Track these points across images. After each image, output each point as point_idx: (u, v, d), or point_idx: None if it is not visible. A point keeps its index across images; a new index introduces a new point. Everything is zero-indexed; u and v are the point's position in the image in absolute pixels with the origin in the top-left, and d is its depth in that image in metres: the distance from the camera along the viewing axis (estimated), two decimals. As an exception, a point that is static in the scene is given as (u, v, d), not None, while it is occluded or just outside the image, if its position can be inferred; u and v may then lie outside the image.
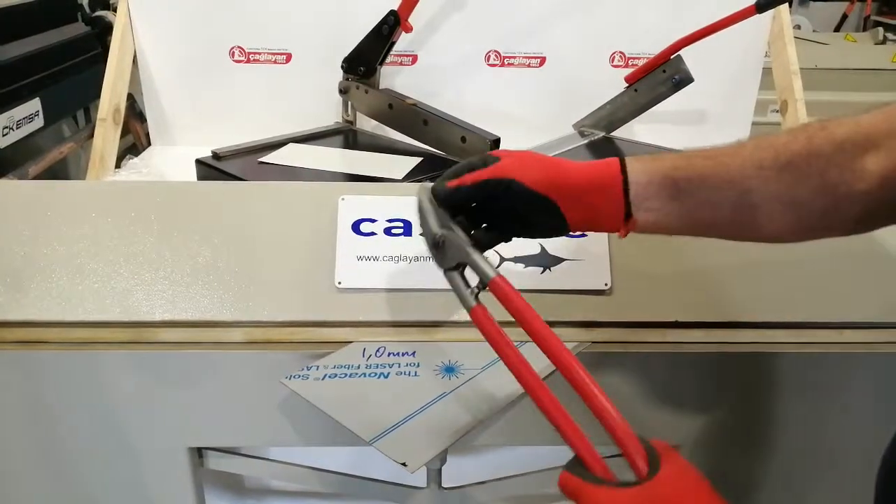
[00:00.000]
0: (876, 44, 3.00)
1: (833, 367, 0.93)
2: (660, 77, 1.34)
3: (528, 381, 0.62)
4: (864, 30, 3.57)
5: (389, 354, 0.89)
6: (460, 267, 0.69)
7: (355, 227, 0.96)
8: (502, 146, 1.23)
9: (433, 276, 0.93)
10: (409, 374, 0.85)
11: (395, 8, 1.34)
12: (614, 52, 1.50)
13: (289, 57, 1.50)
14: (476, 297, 0.67)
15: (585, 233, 0.96)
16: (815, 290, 0.94)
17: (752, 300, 0.94)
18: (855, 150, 0.61)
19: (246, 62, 1.50)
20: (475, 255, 0.67)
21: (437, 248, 0.70)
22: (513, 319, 0.63)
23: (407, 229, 0.96)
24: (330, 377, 0.85)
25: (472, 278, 0.68)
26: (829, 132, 0.63)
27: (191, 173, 1.28)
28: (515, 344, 0.66)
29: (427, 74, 1.51)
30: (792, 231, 0.66)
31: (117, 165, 1.40)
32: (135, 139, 1.62)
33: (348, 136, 1.46)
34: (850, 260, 0.95)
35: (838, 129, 0.62)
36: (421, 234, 0.73)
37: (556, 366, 0.61)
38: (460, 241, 0.69)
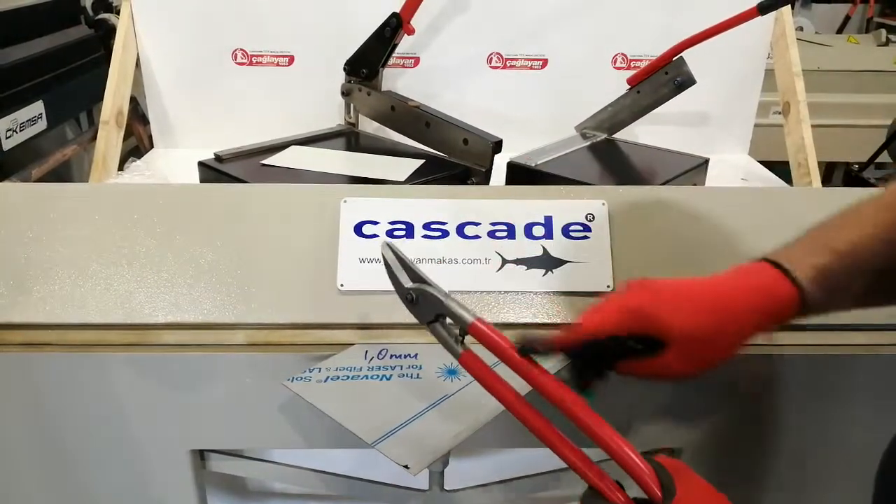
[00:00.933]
0: (879, 45, 2.99)
1: (837, 370, 0.93)
2: (662, 79, 1.34)
3: (529, 420, 0.60)
4: (867, 31, 3.56)
5: (392, 356, 0.89)
6: (439, 318, 0.67)
7: (357, 229, 0.96)
8: (504, 148, 1.23)
9: (436, 279, 0.94)
10: (411, 377, 0.85)
11: (398, 10, 1.34)
12: (616, 54, 1.50)
13: (291, 59, 1.50)
14: (462, 342, 0.65)
15: (587, 235, 0.97)
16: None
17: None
18: None
19: (248, 64, 1.50)
20: (450, 303, 0.65)
21: (412, 303, 0.68)
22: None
23: (409, 231, 0.96)
24: (332, 379, 0.85)
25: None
26: None
27: (193, 176, 1.28)
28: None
29: (429, 76, 1.51)
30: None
31: (120, 168, 1.40)
32: (137, 141, 1.63)
33: (350, 139, 1.46)
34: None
35: None
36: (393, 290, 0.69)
37: (549, 399, 0.60)
38: (432, 291, 0.67)
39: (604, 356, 0.66)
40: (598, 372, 0.66)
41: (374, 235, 0.96)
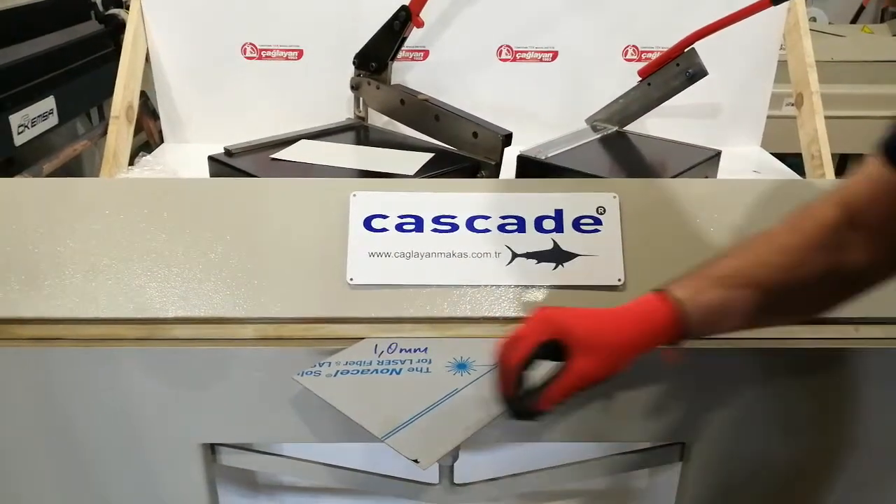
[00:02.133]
0: (893, 35, 2.96)
1: (849, 363, 0.92)
2: (673, 71, 1.33)
3: None
4: (882, 21, 3.52)
5: (401, 351, 0.88)
6: None
7: (367, 223, 0.96)
8: (514, 141, 1.23)
9: (445, 273, 0.94)
10: (421, 371, 0.85)
11: (407, 3, 1.33)
12: (627, 46, 1.49)
13: (300, 53, 1.50)
14: None
15: (598, 228, 0.96)
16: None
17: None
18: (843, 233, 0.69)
19: (258, 59, 1.50)
20: None
21: None
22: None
23: (419, 225, 0.96)
24: (342, 373, 0.85)
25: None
26: (817, 219, 0.71)
27: (203, 170, 1.28)
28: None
29: (438, 70, 1.50)
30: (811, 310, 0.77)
31: (130, 163, 1.41)
32: (148, 136, 1.63)
33: (360, 132, 1.46)
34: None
35: (822, 213, 0.70)
36: None
37: None
38: None
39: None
40: (530, 414, 0.74)
41: (384, 229, 0.96)
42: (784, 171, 1.44)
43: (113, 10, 1.78)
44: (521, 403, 0.73)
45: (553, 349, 0.72)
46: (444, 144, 1.33)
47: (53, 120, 1.54)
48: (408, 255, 0.94)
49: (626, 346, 0.72)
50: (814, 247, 0.71)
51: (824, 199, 0.72)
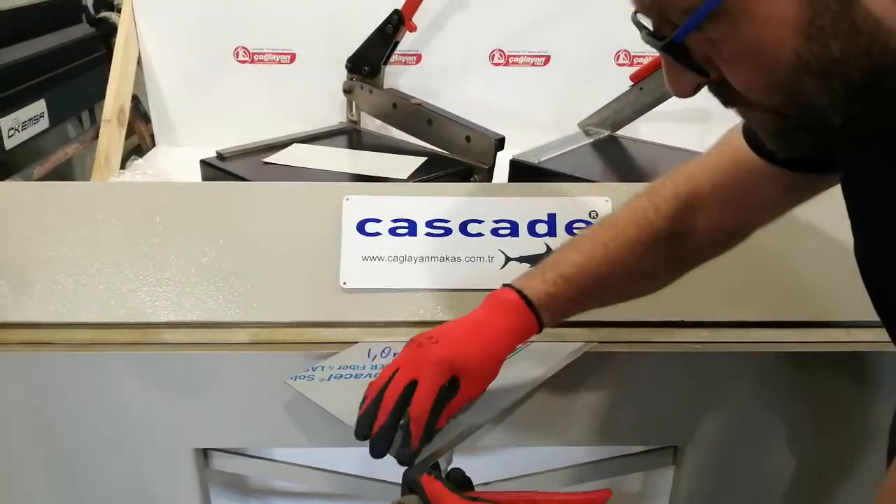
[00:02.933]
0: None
1: (840, 367, 0.92)
2: (665, 75, 1.34)
3: None
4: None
5: (395, 355, 0.88)
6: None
7: (360, 227, 0.96)
8: (507, 145, 1.23)
9: (439, 276, 0.94)
10: (414, 375, 0.85)
11: (399, 7, 1.33)
12: (619, 51, 1.49)
13: (293, 57, 1.50)
14: None
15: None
16: (822, 288, 0.94)
17: (757, 299, 0.93)
18: (686, 217, 0.76)
19: (250, 63, 1.50)
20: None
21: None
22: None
23: (412, 229, 0.96)
24: (335, 378, 0.85)
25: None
26: (662, 211, 0.76)
27: (195, 174, 1.28)
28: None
29: (431, 74, 1.50)
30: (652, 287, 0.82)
31: (122, 166, 1.40)
32: (139, 140, 1.62)
33: (353, 136, 1.46)
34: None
35: (665, 205, 0.76)
36: None
37: None
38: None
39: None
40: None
41: (377, 233, 0.96)
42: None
43: (104, 14, 1.77)
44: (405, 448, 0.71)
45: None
46: (436, 148, 1.33)
47: (44, 123, 1.53)
48: (401, 258, 0.94)
49: (501, 360, 0.75)
50: (658, 241, 0.76)
51: (669, 183, 0.78)
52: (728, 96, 0.52)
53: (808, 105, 0.48)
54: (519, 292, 0.75)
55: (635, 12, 0.52)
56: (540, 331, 0.76)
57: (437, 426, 0.72)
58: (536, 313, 0.75)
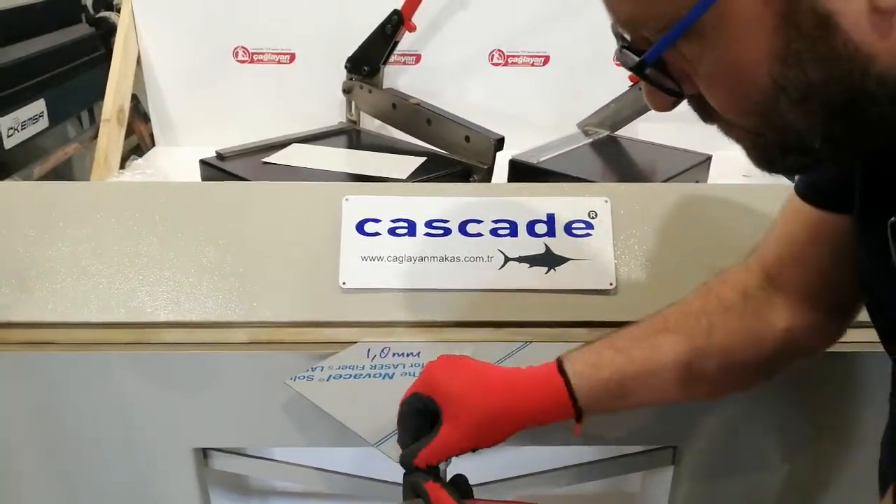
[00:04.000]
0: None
1: (839, 367, 0.92)
2: (664, 76, 1.33)
3: None
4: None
5: (394, 355, 0.88)
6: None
7: (359, 227, 0.96)
8: (506, 145, 1.23)
9: (438, 276, 0.94)
10: (414, 375, 0.85)
11: (399, 7, 1.34)
12: (618, 51, 1.49)
13: (292, 57, 1.50)
14: None
15: (590, 233, 0.96)
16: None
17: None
18: (761, 296, 0.69)
19: (249, 62, 1.50)
20: None
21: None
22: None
23: (411, 229, 0.96)
24: (335, 378, 0.85)
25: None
26: (730, 283, 0.70)
27: (195, 174, 1.28)
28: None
29: (431, 74, 1.50)
30: (735, 382, 0.73)
31: (121, 166, 1.40)
32: (139, 140, 1.62)
33: (352, 136, 1.46)
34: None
35: (735, 278, 0.70)
36: None
37: None
38: None
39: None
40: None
41: (377, 233, 0.96)
42: (774, 176, 1.45)
43: (104, 13, 1.77)
44: (406, 454, 0.70)
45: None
46: (436, 148, 1.33)
47: (44, 123, 1.53)
48: (400, 258, 0.94)
49: (495, 419, 0.67)
50: (730, 311, 0.69)
51: (740, 263, 0.72)
52: (707, 113, 0.51)
53: (785, 128, 0.47)
54: (558, 360, 0.69)
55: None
56: (576, 409, 0.67)
57: (422, 459, 0.68)
58: (566, 377, 0.67)
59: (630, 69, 0.50)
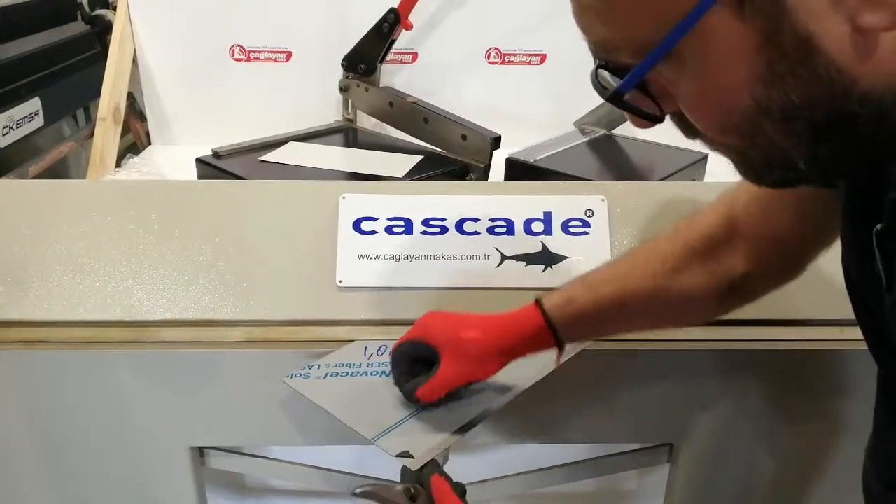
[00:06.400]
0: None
1: (835, 365, 0.93)
2: (661, 74, 1.34)
3: None
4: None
5: (391, 353, 0.88)
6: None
7: (356, 225, 0.96)
8: (503, 144, 1.23)
9: (435, 275, 0.94)
10: (410, 373, 0.85)
11: (396, 6, 1.33)
12: (615, 50, 1.49)
13: (289, 55, 1.50)
14: None
15: (587, 231, 0.96)
16: (816, 287, 0.94)
17: (753, 298, 0.93)
18: (725, 241, 0.72)
19: (246, 60, 1.49)
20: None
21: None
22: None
23: (408, 227, 0.96)
24: (331, 376, 0.85)
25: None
26: (696, 229, 0.73)
27: (191, 172, 1.27)
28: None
29: (427, 72, 1.50)
30: (697, 316, 0.79)
31: (117, 164, 1.40)
32: (135, 138, 1.62)
33: (349, 135, 1.46)
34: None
35: (702, 223, 0.73)
36: None
37: None
38: None
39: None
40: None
41: (373, 232, 0.96)
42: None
43: (100, 11, 1.76)
44: (408, 389, 0.78)
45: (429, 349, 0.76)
46: (433, 147, 1.33)
47: (39, 121, 1.52)
48: (397, 257, 0.94)
49: (486, 353, 0.75)
50: (693, 255, 0.72)
51: (711, 205, 0.75)
52: (689, 129, 0.51)
53: (769, 146, 0.47)
54: (536, 300, 0.75)
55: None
56: (556, 337, 0.74)
57: (423, 395, 0.76)
58: (545, 313, 0.74)
59: (605, 98, 0.50)
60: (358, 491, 0.74)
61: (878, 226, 0.49)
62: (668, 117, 0.52)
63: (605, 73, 0.50)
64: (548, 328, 0.74)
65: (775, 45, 0.42)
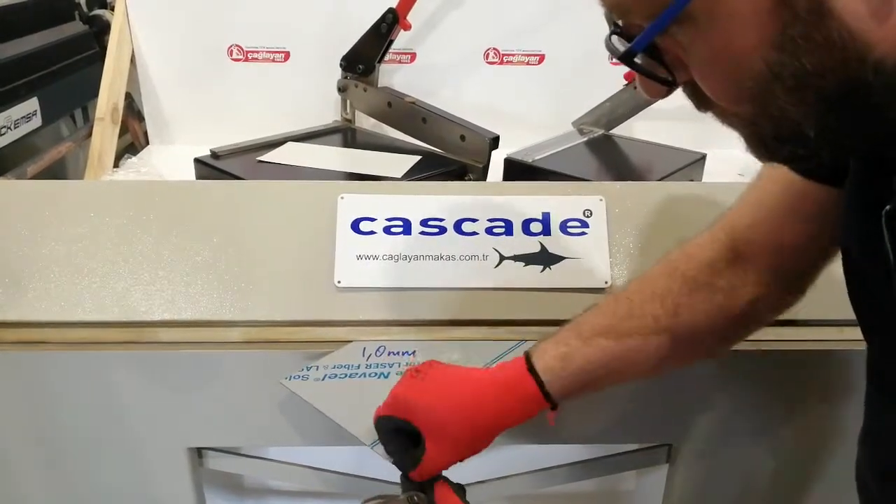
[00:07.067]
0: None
1: (834, 365, 0.93)
2: (659, 74, 1.34)
3: None
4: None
5: (389, 354, 0.88)
6: None
7: (354, 225, 0.96)
8: (501, 144, 1.23)
9: (433, 275, 0.94)
10: (409, 374, 0.85)
11: (394, 6, 1.33)
12: (613, 50, 1.49)
13: (287, 55, 1.50)
14: None
15: (585, 231, 0.96)
16: (815, 286, 0.94)
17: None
18: (728, 270, 0.69)
19: (244, 60, 1.49)
20: None
21: None
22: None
23: (406, 228, 0.96)
24: (330, 377, 0.85)
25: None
26: (695, 259, 0.70)
27: (189, 172, 1.27)
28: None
29: (426, 72, 1.50)
30: (699, 355, 0.75)
31: (116, 165, 1.40)
32: (133, 138, 1.62)
33: (347, 135, 1.46)
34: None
35: (701, 253, 0.70)
36: None
37: None
38: None
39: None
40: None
41: (372, 232, 0.95)
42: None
43: (97, 11, 1.76)
44: (402, 474, 0.73)
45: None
46: (431, 147, 1.33)
47: (37, 121, 1.52)
48: (396, 257, 0.94)
49: (473, 432, 0.69)
50: (696, 288, 0.69)
51: (707, 232, 0.72)
52: (701, 100, 0.50)
53: (780, 116, 0.46)
54: (527, 356, 0.70)
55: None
56: (551, 403, 0.69)
57: (417, 476, 0.71)
58: (537, 377, 0.68)
59: (617, 58, 0.49)
60: None
61: (888, 206, 0.49)
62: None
63: (617, 40, 0.49)
64: (541, 395, 0.69)
65: (788, 6, 0.42)
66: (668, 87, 0.51)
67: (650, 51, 0.48)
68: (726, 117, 0.51)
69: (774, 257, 0.68)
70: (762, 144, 0.50)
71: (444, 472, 0.72)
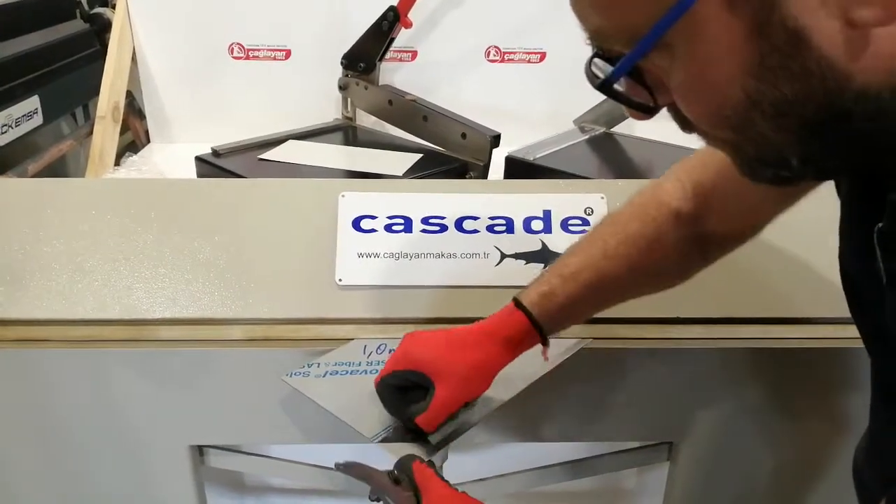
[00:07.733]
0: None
1: (834, 362, 0.93)
2: (660, 72, 1.34)
3: None
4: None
5: (390, 351, 0.88)
6: None
7: (356, 223, 0.96)
8: (502, 142, 1.23)
9: (434, 273, 0.94)
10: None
11: (395, 4, 1.33)
12: (614, 48, 1.49)
13: (288, 53, 1.50)
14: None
15: (586, 229, 0.96)
16: (817, 285, 0.94)
17: (752, 296, 0.93)
18: (694, 218, 0.74)
19: (245, 59, 1.49)
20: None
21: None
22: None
23: (407, 226, 0.96)
24: (331, 374, 0.85)
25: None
26: (665, 206, 0.75)
27: (190, 170, 1.27)
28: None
29: (427, 70, 1.50)
30: (667, 284, 0.80)
31: (116, 163, 1.40)
32: (134, 136, 1.62)
33: (348, 133, 1.46)
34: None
35: (671, 202, 0.75)
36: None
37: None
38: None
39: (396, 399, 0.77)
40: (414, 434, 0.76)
41: (373, 230, 0.95)
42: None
43: (98, 9, 1.76)
44: (407, 421, 0.76)
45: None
46: (432, 145, 1.33)
47: (38, 120, 1.52)
48: (396, 255, 0.94)
49: (478, 369, 0.74)
50: (666, 231, 0.74)
51: (673, 177, 0.76)
52: (685, 122, 0.50)
53: (761, 141, 0.46)
54: (515, 300, 0.75)
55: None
56: (541, 334, 0.75)
57: (425, 423, 0.74)
58: (527, 312, 0.74)
59: (596, 88, 0.50)
60: (340, 462, 0.73)
61: (880, 224, 0.49)
62: (665, 110, 0.52)
63: (599, 63, 0.50)
64: (533, 327, 0.74)
65: (765, 37, 0.42)
66: (650, 112, 0.51)
67: (632, 73, 0.48)
68: (709, 139, 0.51)
69: (738, 214, 0.74)
70: (747, 165, 0.50)
71: (444, 474, 0.73)
